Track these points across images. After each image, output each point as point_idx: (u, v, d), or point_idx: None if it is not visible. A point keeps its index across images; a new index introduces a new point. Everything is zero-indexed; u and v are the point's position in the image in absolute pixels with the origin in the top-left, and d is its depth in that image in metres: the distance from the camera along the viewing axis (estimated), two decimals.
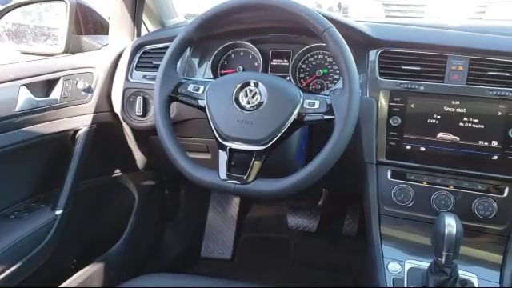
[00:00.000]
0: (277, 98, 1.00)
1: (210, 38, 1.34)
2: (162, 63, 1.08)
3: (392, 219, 1.14)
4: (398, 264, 1.07)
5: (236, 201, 2.04)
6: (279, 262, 1.93)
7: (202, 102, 1.05)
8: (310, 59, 1.30)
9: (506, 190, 1.06)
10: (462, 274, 1.00)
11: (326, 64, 1.29)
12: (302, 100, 0.99)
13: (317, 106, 0.98)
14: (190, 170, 1.02)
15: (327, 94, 1.03)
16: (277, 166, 1.09)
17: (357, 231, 1.85)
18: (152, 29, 1.63)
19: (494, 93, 1.05)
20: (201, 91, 1.06)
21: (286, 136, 0.99)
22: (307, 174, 0.95)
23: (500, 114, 1.05)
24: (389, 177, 1.15)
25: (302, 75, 1.30)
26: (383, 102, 1.13)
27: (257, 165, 0.99)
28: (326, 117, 0.97)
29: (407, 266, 1.06)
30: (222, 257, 1.97)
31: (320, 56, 1.29)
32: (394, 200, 1.13)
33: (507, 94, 1.04)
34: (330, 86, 1.28)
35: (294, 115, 0.98)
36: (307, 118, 0.99)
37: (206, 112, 1.04)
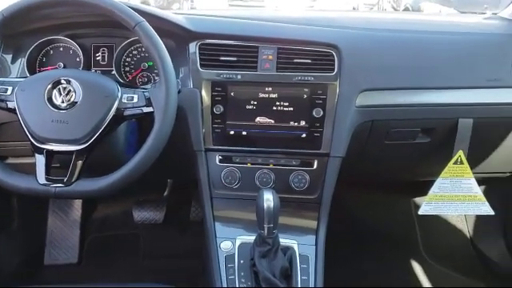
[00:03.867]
0: (92, 94, 0.99)
1: (22, 34, 1.25)
2: None
3: (223, 201, 1.22)
4: (229, 242, 1.14)
5: (78, 202, 1.95)
6: (129, 257, 1.91)
7: (11, 104, 0.99)
8: (133, 52, 1.30)
9: (315, 163, 1.20)
10: (284, 241, 1.11)
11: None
12: (120, 95, 1.00)
13: (135, 100, 1.00)
14: (2, 177, 0.95)
15: (149, 87, 1.05)
16: (105, 163, 1.08)
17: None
18: None
19: (300, 78, 1.17)
20: (9, 92, 1.00)
21: (107, 133, 0.99)
22: (131, 168, 0.97)
23: (305, 96, 1.18)
24: (217, 162, 1.21)
25: (127, 69, 1.30)
26: (206, 91, 1.18)
27: (78, 165, 0.97)
28: (146, 110, 1.00)
29: (238, 243, 1.14)
30: (67, 262, 1.88)
31: (144, 49, 1.30)
32: (223, 183, 1.21)
33: (310, 78, 1.17)
34: (156, 78, 1.30)
35: (113, 111, 0.98)
36: (127, 112, 1.00)
37: (17, 114, 0.98)
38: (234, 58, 1.19)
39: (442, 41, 1.29)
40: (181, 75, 1.20)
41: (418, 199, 1.91)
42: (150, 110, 0.99)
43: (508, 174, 1.57)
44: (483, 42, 1.30)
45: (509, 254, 1.70)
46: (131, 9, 1.02)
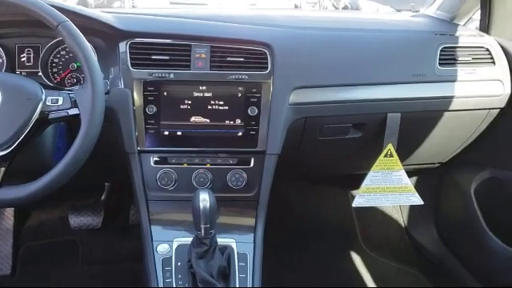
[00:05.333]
0: (13, 97, 0.94)
1: None
2: None
3: (160, 203, 1.20)
4: (166, 244, 1.13)
5: (10, 210, 1.84)
6: (67, 265, 1.84)
7: None
8: (61, 53, 1.25)
9: (252, 161, 1.20)
10: (222, 241, 1.11)
11: None
12: (43, 97, 0.96)
13: (60, 102, 0.96)
14: None
15: (77, 88, 1.01)
16: (32, 169, 1.04)
17: None
18: None
19: (234, 77, 1.17)
20: None
21: (31, 137, 0.95)
22: (58, 173, 0.93)
23: (240, 95, 1.18)
24: (152, 163, 1.19)
25: (54, 70, 1.25)
26: (138, 91, 1.15)
27: (1, 171, 0.93)
28: (71, 112, 0.96)
29: (175, 245, 1.12)
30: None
31: None
32: (158, 185, 1.19)
33: (244, 77, 1.17)
34: None
35: (36, 114, 0.94)
36: (52, 115, 0.96)
37: None
38: (166, 57, 1.17)
39: (370, 38, 1.34)
40: (111, 76, 1.17)
41: (354, 192, 1.97)
42: (75, 112, 0.95)
43: (437, 165, 1.65)
44: (409, 39, 1.36)
45: (440, 242, 1.79)
46: (54, 8, 0.98)
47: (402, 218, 1.98)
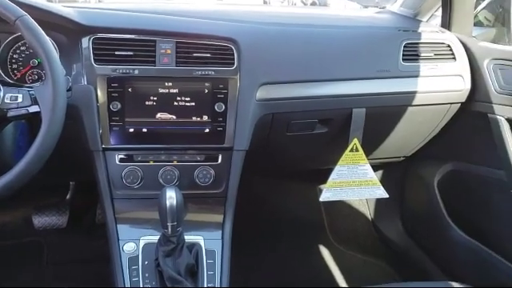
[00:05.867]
0: None
1: None
2: None
3: (126, 201, 1.18)
4: (133, 243, 1.11)
5: None
6: (32, 267, 1.79)
7: None
8: (21, 48, 1.21)
9: (220, 157, 1.20)
10: (190, 238, 1.11)
11: None
12: (1, 94, 0.93)
13: (20, 99, 0.94)
14: None
15: (37, 85, 0.98)
16: None
17: None
18: None
19: (200, 73, 1.16)
20: None
21: None
22: (18, 173, 0.90)
23: (207, 91, 1.17)
24: (117, 161, 1.17)
25: (14, 66, 1.20)
26: (101, 88, 1.13)
27: None
28: (32, 110, 0.94)
29: (142, 243, 1.11)
30: None
31: None
32: (124, 183, 1.16)
33: (210, 73, 1.16)
34: None
35: None
36: (11, 113, 0.94)
37: None
38: (131, 53, 1.15)
39: (336, 35, 1.36)
40: (73, 72, 1.14)
41: (322, 186, 2.00)
42: (36, 109, 0.93)
43: (402, 159, 1.69)
44: (373, 35, 1.38)
45: (405, 234, 1.84)
46: (12, 1, 0.95)
47: (368, 211, 2.02)
